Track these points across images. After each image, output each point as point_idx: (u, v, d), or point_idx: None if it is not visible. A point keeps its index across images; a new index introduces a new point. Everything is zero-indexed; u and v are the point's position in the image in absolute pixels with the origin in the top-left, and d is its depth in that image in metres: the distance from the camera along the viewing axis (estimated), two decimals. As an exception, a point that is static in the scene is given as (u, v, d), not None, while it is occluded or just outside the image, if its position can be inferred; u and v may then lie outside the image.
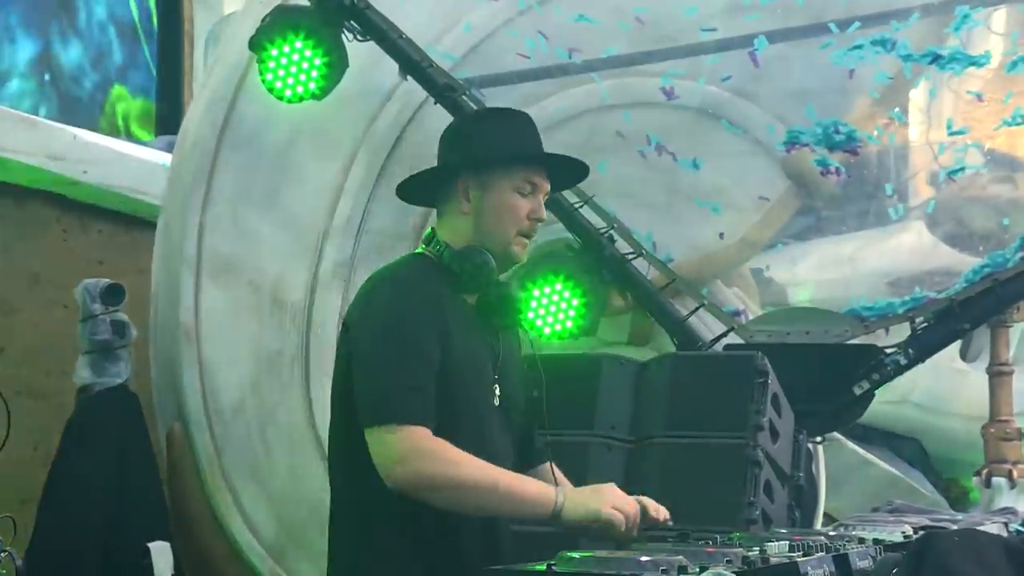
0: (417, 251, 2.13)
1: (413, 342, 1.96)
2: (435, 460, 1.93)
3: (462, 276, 2.04)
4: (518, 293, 2.14)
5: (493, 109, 2.23)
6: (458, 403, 2.01)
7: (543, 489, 2.00)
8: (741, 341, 4.08)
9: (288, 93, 4.03)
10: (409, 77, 4.08)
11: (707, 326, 4.30)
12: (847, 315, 4.14)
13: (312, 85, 4.02)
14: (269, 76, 4.02)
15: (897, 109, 4.36)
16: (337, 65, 4.02)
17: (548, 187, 2.10)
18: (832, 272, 4.77)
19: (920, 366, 4.11)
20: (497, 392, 2.08)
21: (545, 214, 2.10)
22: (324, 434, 4.18)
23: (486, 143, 2.07)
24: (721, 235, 4.48)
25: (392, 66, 4.10)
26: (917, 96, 4.48)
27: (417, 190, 2.17)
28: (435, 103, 4.12)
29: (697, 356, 3.66)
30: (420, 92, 4.21)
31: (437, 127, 4.42)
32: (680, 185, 4.48)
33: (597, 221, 4.20)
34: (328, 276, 4.32)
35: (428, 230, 2.12)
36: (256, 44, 4.02)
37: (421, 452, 1.93)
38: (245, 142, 4.31)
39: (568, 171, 2.15)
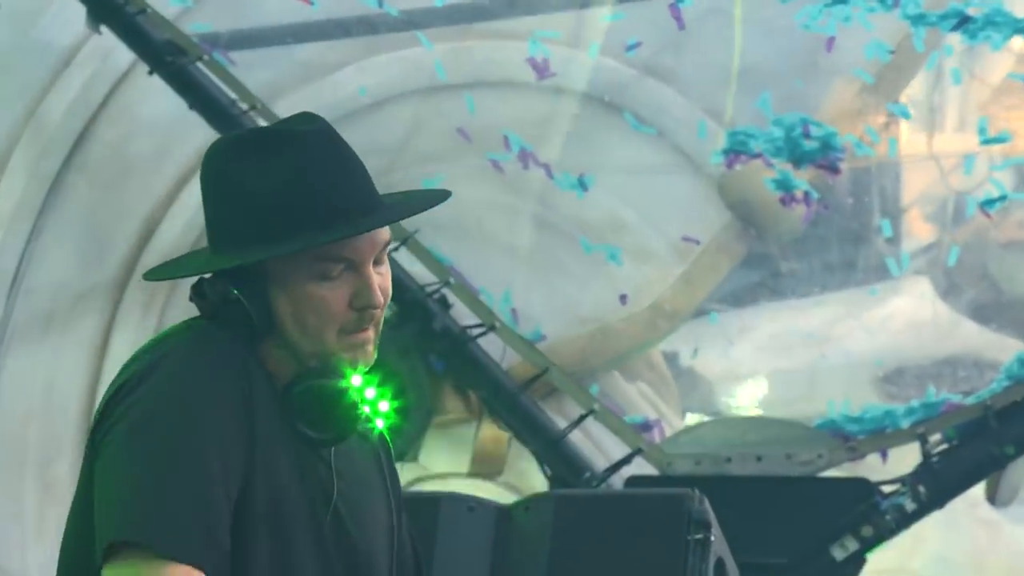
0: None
1: (201, 436, 1.94)
2: None
3: None
4: (358, 383, 2.05)
5: (263, 134, 2.09)
6: (259, 567, 1.98)
7: None
8: (654, 472, 4.11)
9: None
10: (104, 29, 4.11)
11: (597, 446, 4.28)
12: (820, 430, 4.18)
13: (-71, 38, 3.96)
14: None
15: (903, 100, 4.28)
16: (-27, 5, 4.03)
17: (382, 239, 2.06)
18: (793, 358, 4.81)
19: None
20: (333, 543, 2.06)
21: (384, 284, 2.04)
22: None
23: (257, 217, 2.00)
24: (623, 298, 4.45)
25: (74, 11, 4.08)
26: (927, 83, 4.51)
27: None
28: (149, 73, 4.08)
29: (593, 498, 3.62)
30: (123, 55, 4.17)
31: (149, 114, 4.28)
32: (557, 217, 4.43)
33: (423, 273, 4.18)
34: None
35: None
36: None
37: None
38: None
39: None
